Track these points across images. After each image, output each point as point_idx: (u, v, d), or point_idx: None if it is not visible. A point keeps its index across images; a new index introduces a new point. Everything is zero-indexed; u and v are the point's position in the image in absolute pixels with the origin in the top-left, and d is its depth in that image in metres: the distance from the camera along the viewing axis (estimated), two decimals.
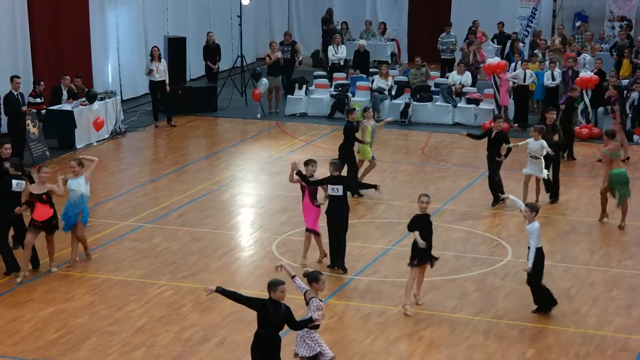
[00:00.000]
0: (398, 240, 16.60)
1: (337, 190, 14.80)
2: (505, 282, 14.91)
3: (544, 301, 13.64)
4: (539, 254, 13.46)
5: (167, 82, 25.28)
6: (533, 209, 13.56)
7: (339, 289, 14.44)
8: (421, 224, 13.64)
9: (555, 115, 19.36)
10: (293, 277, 11.00)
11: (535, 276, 13.50)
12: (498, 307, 13.94)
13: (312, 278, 10.71)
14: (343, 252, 15.05)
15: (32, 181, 15.39)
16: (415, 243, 13.57)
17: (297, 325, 10.40)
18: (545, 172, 18.21)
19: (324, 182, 14.96)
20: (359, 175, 19.14)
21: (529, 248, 13.47)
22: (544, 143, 18.05)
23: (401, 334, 13.01)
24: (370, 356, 12.41)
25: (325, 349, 10.78)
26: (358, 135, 19.04)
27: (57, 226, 15.05)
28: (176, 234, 17.04)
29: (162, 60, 25.30)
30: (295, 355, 10.80)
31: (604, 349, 12.66)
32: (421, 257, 13.63)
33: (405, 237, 16.74)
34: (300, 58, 29.02)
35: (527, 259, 13.47)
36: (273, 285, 10.17)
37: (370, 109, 19.95)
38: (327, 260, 15.33)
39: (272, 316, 10.12)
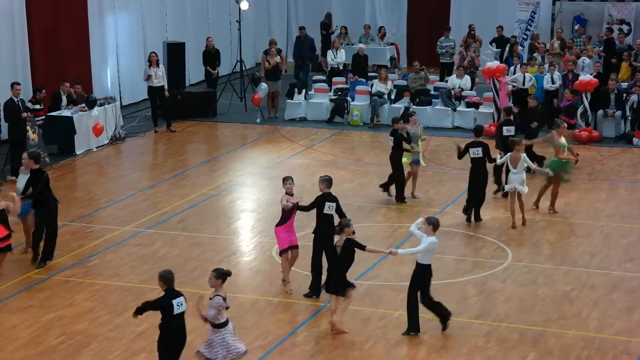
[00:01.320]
0: (398, 244, 16.59)
1: (332, 208, 14.17)
2: (506, 285, 14.92)
3: (443, 312, 13.15)
4: (427, 270, 12.93)
5: (166, 87, 25.29)
6: (429, 222, 12.88)
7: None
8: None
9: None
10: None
11: (424, 294, 12.98)
12: (499, 311, 13.94)
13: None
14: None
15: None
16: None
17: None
18: (526, 187, 17.59)
19: (321, 202, 14.18)
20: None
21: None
22: (524, 157, 17.51)
23: (402, 338, 13.00)
24: None
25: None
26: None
27: (9, 248, 14.76)
28: (176, 239, 17.04)
29: (160, 65, 25.31)
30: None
31: (605, 352, 12.65)
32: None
33: (406, 241, 16.76)
34: (285, 65, 28.68)
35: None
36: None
37: (415, 114, 20.15)
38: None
39: None
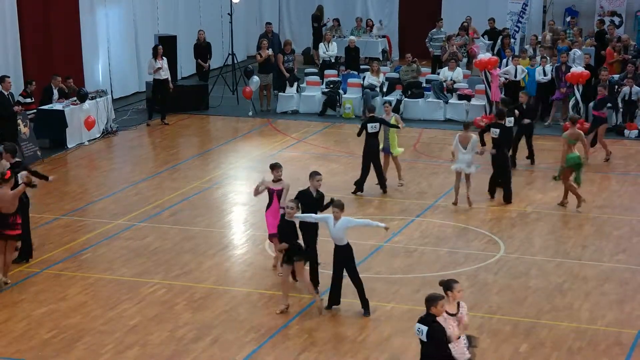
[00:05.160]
0: (391, 236, 16.61)
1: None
2: (498, 277, 14.95)
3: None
4: (348, 249, 13.39)
5: (170, 79, 25.26)
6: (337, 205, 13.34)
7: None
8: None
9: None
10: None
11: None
12: (491, 303, 13.97)
13: (447, 286, 10.44)
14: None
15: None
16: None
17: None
18: (473, 167, 18.25)
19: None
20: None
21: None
22: (475, 139, 18.19)
23: (394, 330, 13.01)
24: (364, 353, 12.42)
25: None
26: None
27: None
28: (168, 232, 17.02)
29: (164, 58, 25.19)
30: None
31: (596, 343, 12.69)
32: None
33: (398, 234, 16.79)
34: (296, 68, 28.40)
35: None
36: (433, 300, 9.97)
37: (388, 103, 20.32)
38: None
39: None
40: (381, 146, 19.30)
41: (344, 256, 13.41)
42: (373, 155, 18.97)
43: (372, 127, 18.84)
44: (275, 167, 14.81)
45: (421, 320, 10.03)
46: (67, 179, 20.56)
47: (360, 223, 13.84)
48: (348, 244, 13.39)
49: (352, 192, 18.93)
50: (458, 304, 10.39)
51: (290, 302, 13.67)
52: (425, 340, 9.96)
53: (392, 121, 19.40)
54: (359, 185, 19.10)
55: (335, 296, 13.67)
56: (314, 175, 14.25)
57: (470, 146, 18.07)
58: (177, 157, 22.30)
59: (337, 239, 13.37)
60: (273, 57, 27.10)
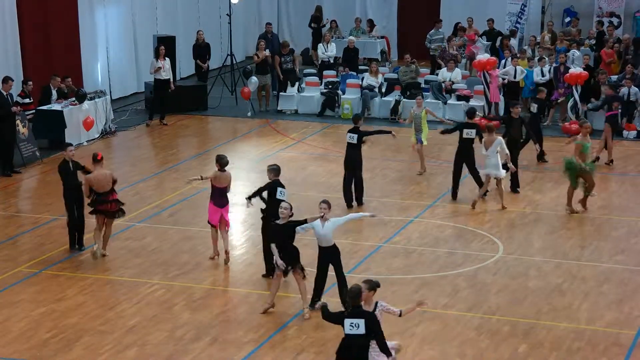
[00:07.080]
0: (390, 237, 16.62)
1: (284, 194, 14.49)
2: (497, 278, 14.95)
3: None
4: (336, 249, 13.55)
5: (171, 79, 25.27)
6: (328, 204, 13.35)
7: (331, 287, 14.42)
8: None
9: (519, 109, 19.52)
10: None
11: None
12: (490, 303, 13.98)
13: (377, 285, 10.75)
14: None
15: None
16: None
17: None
18: (502, 171, 18.06)
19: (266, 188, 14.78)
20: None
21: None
22: (500, 140, 17.93)
23: (393, 331, 12.98)
24: None
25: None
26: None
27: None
28: (167, 233, 17.02)
29: (166, 58, 25.20)
30: None
31: (595, 343, 12.70)
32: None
33: (397, 235, 16.79)
34: (298, 68, 28.38)
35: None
36: (360, 294, 10.38)
37: (421, 96, 20.67)
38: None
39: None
40: (413, 139, 20.03)
41: (332, 255, 13.42)
42: (349, 166, 18.07)
43: (349, 138, 18.01)
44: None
45: (352, 315, 10.28)
46: None
47: (346, 219, 13.64)
48: (335, 244, 13.41)
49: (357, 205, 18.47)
50: (376, 303, 10.71)
51: (292, 302, 13.68)
52: (363, 332, 10.23)
53: (423, 114, 19.70)
54: (346, 197, 18.14)
55: (318, 293, 13.71)
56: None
57: (492, 148, 17.84)
58: (176, 158, 22.29)
59: (325, 241, 13.31)
60: (271, 57, 27.09)
